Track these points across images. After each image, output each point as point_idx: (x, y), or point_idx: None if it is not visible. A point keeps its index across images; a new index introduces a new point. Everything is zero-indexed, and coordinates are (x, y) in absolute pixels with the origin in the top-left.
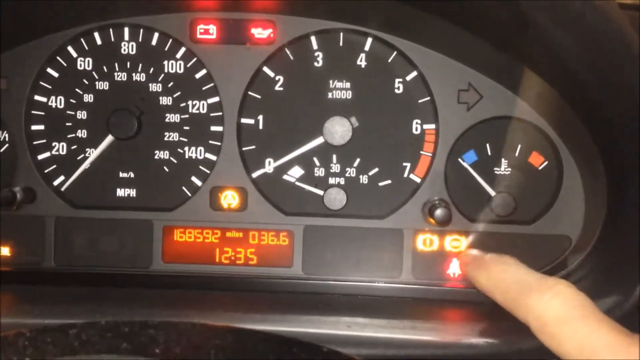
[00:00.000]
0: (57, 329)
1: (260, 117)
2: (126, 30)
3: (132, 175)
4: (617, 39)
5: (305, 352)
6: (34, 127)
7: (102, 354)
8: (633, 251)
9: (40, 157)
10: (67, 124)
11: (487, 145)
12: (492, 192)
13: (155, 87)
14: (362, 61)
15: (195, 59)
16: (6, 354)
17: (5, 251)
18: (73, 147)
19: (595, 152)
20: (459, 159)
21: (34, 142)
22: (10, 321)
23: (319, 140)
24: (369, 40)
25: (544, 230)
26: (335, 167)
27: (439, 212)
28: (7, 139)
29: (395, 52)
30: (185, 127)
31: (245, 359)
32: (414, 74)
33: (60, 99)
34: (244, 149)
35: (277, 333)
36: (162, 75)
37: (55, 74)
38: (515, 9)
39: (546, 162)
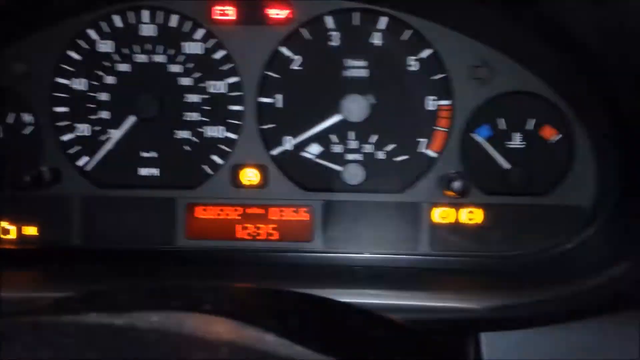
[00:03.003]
0: (105, 291)
1: (279, 96)
2: (145, 12)
3: (155, 154)
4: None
5: (339, 312)
6: (57, 109)
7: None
8: None
9: (65, 138)
10: (90, 105)
11: (501, 119)
12: (506, 165)
13: (175, 68)
14: (376, 40)
15: (214, 39)
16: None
17: (33, 230)
18: (96, 128)
19: (608, 124)
20: (474, 134)
21: (58, 124)
22: (44, 295)
23: (337, 118)
24: (384, 19)
25: (558, 201)
26: (353, 144)
27: (456, 183)
28: (32, 122)
29: (409, 30)
30: (205, 107)
31: (288, 316)
32: (429, 51)
33: (83, 82)
34: (263, 127)
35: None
36: (182, 56)
37: (77, 57)
38: None
39: (559, 135)
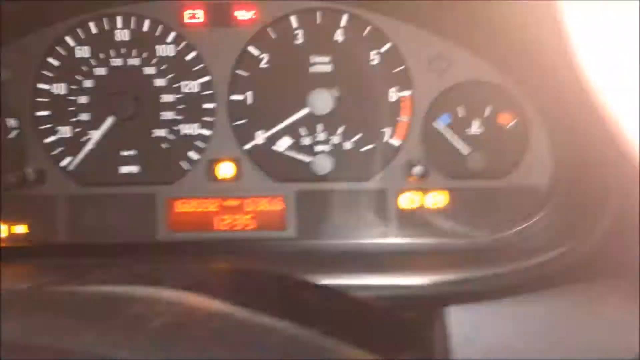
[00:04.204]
0: (77, 275)
1: (249, 93)
2: (119, 18)
3: (134, 153)
4: None
5: (293, 284)
6: (40, 113)
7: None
8: (592, 199)
9: (48, 140)
10: (70, 108)
11: (460, 107)
12: (466, 151)
13: (149, 70)
14: (339, 36)
15: (185, 42)
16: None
17: (21, 229)
18: (77, 130)
19: (559, 109)
20: (434, 122)
21: (41, 127)
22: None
23: (304, 111)
24: (345, 16)
25: (515, 183)
26: (322, 135)
27: (416, 168)
28: (15, 126)
29: (369, 26)
30: (180, 106)
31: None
32: (388, 45)
33: (63, 86)
34: (235, 123)
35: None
36: (155, 58)
37: (56, 63)
38: None
39: (514, 120)
